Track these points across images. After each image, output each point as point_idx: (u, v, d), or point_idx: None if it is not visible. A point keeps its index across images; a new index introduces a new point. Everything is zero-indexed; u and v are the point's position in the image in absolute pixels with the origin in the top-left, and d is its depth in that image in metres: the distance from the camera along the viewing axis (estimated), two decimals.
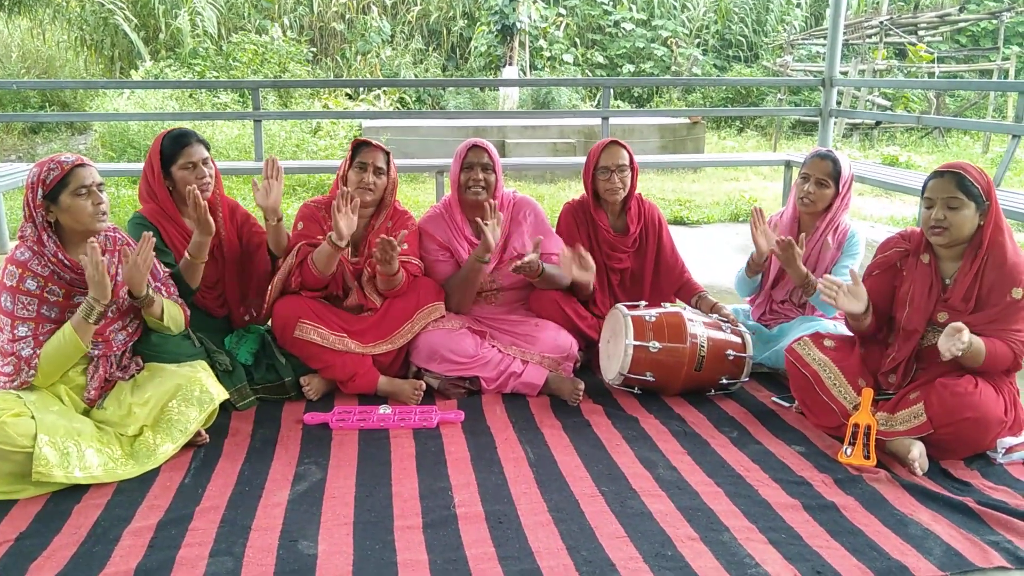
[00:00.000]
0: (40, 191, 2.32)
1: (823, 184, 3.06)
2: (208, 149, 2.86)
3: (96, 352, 2.46)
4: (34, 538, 2.03)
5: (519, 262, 2.86)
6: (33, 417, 2.21)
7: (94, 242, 2.29)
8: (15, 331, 2.31)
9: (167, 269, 2.69)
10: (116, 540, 2.01)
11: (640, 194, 3.31)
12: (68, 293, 2.38)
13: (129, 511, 2.15)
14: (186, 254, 2.73)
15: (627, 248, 3.26)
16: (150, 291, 2.47)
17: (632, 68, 14.52)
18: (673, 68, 14.38)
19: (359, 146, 2.94)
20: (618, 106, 12.98)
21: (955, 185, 2.40)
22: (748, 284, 3.28)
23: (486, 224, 2.87)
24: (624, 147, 3.15)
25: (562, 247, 3.11)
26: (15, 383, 2.33)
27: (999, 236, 2.44)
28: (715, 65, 15.05)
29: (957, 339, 2.25)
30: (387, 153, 2.97)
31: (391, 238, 2.70)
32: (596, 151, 3.16)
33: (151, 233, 2.44)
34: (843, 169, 3.07)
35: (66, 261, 2.35)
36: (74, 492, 2.23)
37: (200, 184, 2.78)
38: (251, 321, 3.07)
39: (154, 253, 2.45)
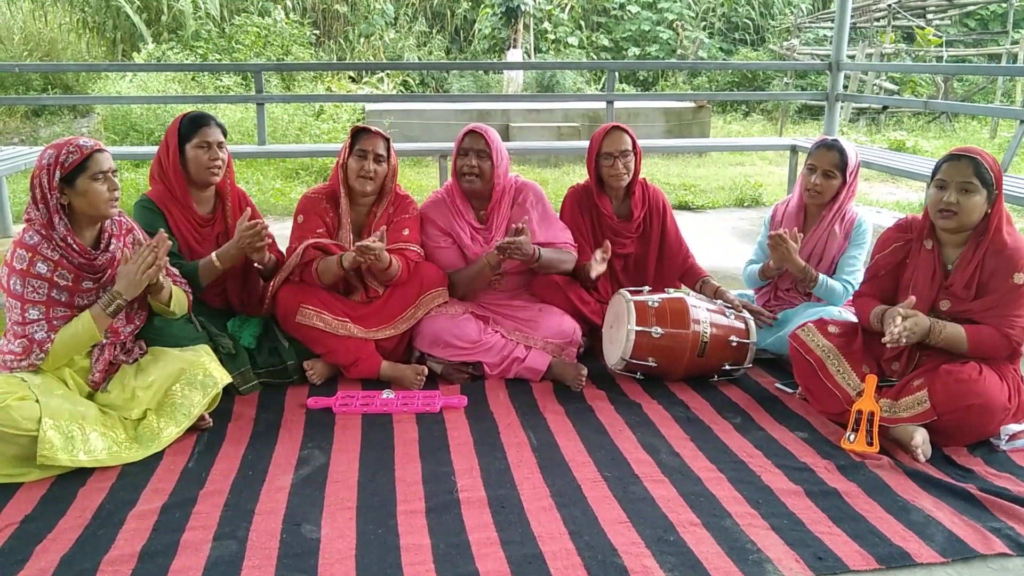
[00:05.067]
0: (57, 173, 2.32)
1: (830, 175, 3.04)
2: (225, 135, 2.86)
3: (104, 341, 2.47)
4: (39, 521, 2.04)
5: (501, 240, 2.84)
6: (37, 401, 2.22)
7: (154, 243, 2.35)
8: (26, 314, 2.32)
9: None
10: (120, 523, 2.02)
11: (645, 179, 3.29)
12: (77, 277, 2.39)
13: (133, 494, 2.17)
14: (213, 257, 2.73)
15: (631, 233, 3.24)
16: (160, 278, 2.48)
17: (637, 51, 14.41)
18: (679, 51, 14.26)
19: (358, 133, 2.92)
20: (623, 89, 12.89)
21: (972, 170, 2.38)
22: (759, 283, 3.27)
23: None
24: (627, 132, 3.13)
25: (563, 227, 3.12)
26: (23, 363, 2.33)
27: (1002, 224, 2.43)
28: (721, 48, 14.93)
29: (898, 327, 2.32)
30: (387, 140, 2.95)
31: (364, 243, 2.66)
32: (599, 137, 3.14)
33: (164, 235, 2.43)
34: (850, 159, 3.04)
35: (75, 245, 2.36)
36: (79, 475, 2.25)
37: (211, 166, 2.79)
38: (250, 312, 3.06)
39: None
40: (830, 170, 3.03)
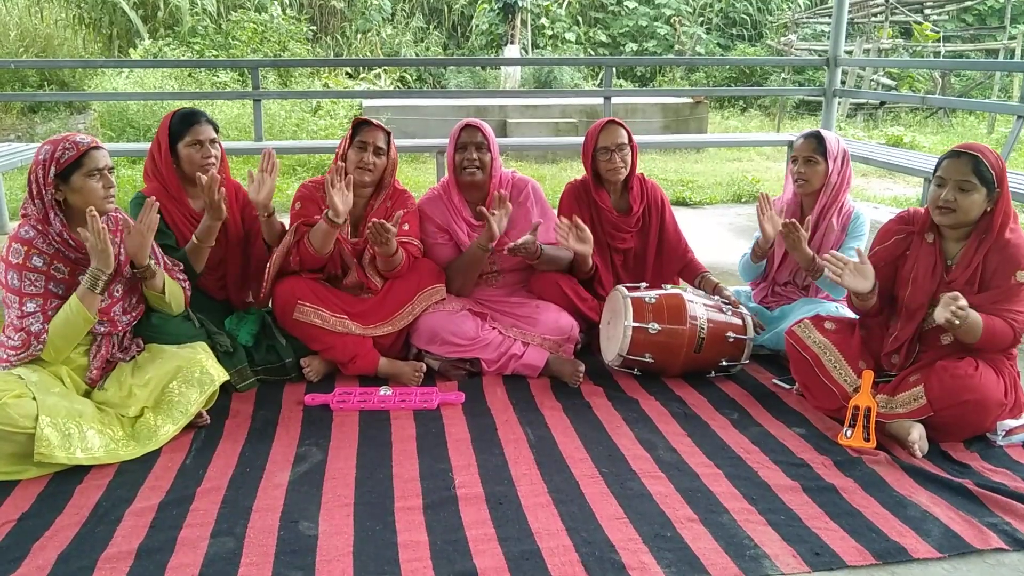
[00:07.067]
0: (52, 169, 2.32)
1: (811, 161, 3.06)
2: (216, 131, 2.85)
3: (101, 330, 2.46)
4: (36, 518, 2.04)
5: (513, 243, 2.85)
6: (34, 398, 2.21)
7: (92, 210, 2.28)
8: (23, 307, 2.32)
9: (165, 253, 2.68)
10: (118, 520, 2.02)
11: (642, 174, 3.29)
12: (73, 271, 2.39)
13: (131, 492, 2.16)
14: (193, 238, 2.74)
15: (630, 228, 3.24)
16: (151, 262, 2.47)
17: (635, 47, 14.39)
18: (676, 47, 14.24)
19: (359, 125, 2.92)
20: (620, 85, 12.88)
21: (970, 168, 2.38)
22: (753, 269, 3.27)
23: (492, 214, 2.84)
24: (622, 126, 3.13)
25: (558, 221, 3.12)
26: (22, 355, 2.34)
27: (1007, 222, 2.42)
28: (719, 44, 14.91)
29: (954, 306, 2.23)
30: (387, 133, 2.95)
31: (383, 221, 2.67)
32: (594, 132, 3.14)
33: (153, 198, 2.44)
34: (829, 144, 3.06)
35: (71, 240, 2.36)
36: (76, 473, 2.24)
37: (205, 163, 2.78)
38: (251, 304, 3.06)
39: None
40: (810, 156, 3.06)
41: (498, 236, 2.89)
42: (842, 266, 2.51)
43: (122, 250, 2.50)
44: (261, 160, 2.84)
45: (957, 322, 2.27)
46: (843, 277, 2.51)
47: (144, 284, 2.53)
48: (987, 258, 2.43)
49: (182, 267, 2.73)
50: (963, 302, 2.26)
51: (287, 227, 2.95)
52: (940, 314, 2.27)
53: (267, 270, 2.89)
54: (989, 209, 2.42)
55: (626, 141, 3.12)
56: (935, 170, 2.48)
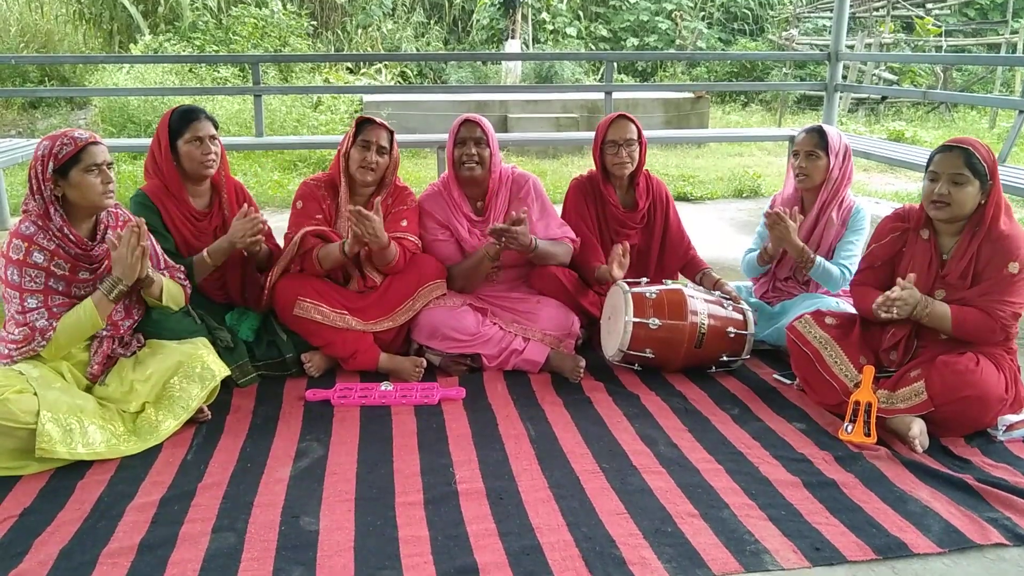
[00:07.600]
0: (51, 164, 2.32)
1: (813, 155, 3.06)
2: (216, 127, 2.85)
3: (104, 334, 2.47)
4: (38, 514, 2.05)
5: (495, 225, 2.84)
6: (36, 394, 2.21)
7: (134, 224, 2.32)
8: (24, 303, 2.32)
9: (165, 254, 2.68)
10: (119, 516, 2.03)
11: (648, 170, 3.29)
12: (74, 267, 2.39)
13: (132, 487, 2.17)
14: (204, 253, 2.74)
15: (636, 224, 3.24)
16: (150, 272, 2.47)
17: (636, 41, 14.35)
18: (677, 42, 14.21)
19: (362, 123, 2.92)
20: (621, 80, 12.85)
21: (962, 162, 2.38)
22: (757, 270, 3.27)
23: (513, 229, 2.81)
24: (632, 121, 3.13)
25: (561, 223, 3.12)
26: (23, 350, 2.34)
27: (998, 214, 2.43)
28: (720, 39, 14.86)
29: (882, 297, 2.33)
30: (390, 132, 2.95)
31: (360, 208, 2.67)
32: (604, 125, 3.14)
33: (142, 220, 2.40)
34: (831, 139, 3.06)
35: (71, 236, 2.36)
36: (77, 468, 2.25)
37: (204, 160, 2.77)
38: (251, 306, 3.05)
39: (151, 239, 2.46)
40: (812, 151, 3.06)
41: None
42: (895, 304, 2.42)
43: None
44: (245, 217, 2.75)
45: (895, 311, 2.35)
46: (902, 312, 2.43)
47: (142, 291, 2.53)
48: (980, 250, 2.43)
49: (183, 269, 2.72)
50: (895, 293, 2.33)
51: (278, 241, 2.95)
52: (879, 299, 2.35)
53: (268, 276, 2.91)
54: (983, 202, 2.43)
55: (635, 137, 3.11)
56: (927, 165, 2.48)
